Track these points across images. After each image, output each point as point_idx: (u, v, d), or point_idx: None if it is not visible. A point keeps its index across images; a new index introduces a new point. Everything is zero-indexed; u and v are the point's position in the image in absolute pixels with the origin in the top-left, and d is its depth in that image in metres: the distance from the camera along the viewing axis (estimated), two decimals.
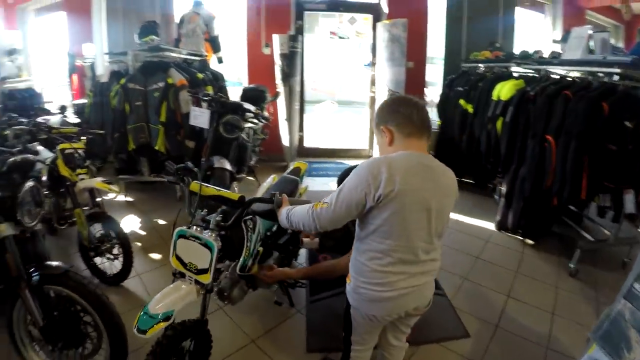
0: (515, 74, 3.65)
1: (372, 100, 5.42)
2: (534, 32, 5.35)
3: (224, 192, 1.81)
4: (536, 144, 2.92)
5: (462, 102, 4.08)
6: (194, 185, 1.78)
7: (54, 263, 1.73)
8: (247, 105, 3.54)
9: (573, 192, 2.59)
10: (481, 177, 4.31)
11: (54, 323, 1.65)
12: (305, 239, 2.23)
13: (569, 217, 3.26)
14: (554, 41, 3.91)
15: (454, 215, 3.74)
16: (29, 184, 1.76)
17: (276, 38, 4.79)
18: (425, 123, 1.35)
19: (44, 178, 2.54)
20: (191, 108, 3.49)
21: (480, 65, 4.21)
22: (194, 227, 1.65)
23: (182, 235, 1.64)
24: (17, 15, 6.53)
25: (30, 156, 1.87)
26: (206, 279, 1.59)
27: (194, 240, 1.61)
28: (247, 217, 1.85)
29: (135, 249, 2.84)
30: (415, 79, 5.05)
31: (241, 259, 1.78)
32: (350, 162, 5.41)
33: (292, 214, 1.46)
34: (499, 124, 3.37)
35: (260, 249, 1.95)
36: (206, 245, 1.58)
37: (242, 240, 1.80)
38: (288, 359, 2.00)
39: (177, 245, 1.64)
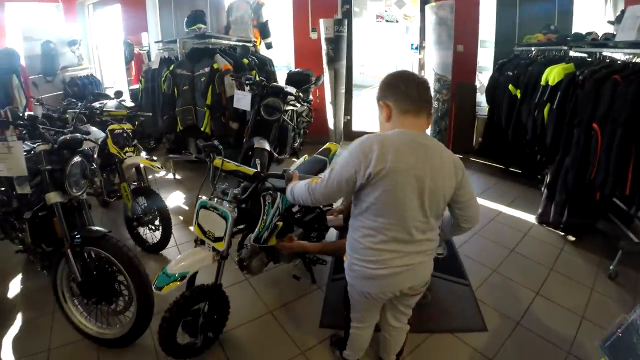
0: (568, 57, 3.40)
1: None
2: (594, 14, 4.87)
3: (242, 168, 1.98)
4: (581, 132, 2.71)
5: (510, 87, 3.87)
6: (217, 161, 1.96)
7: (95, 228, 1.99)
8: (288, 89, 3.68)
9: (616, 186, 2.40)
10: (529, 167, 4.09)
11: (91, 280, 1.92)
12: (329, 217, 2.31)
13: (616, 214, 3.01)
14: (609, 22, 3.55)
15: (493, 205, 3.66)
16: (77, 159, 2.04)
17: (322, 22, 4.85)
18: (424, 100, 1.33)
19: (95, 155, 2.89)
20: (235, 91, 3.71)
21: (532, 48, 3.96)
22: (215, 199, 1.82)
23: (203, 206, 1.82)
24: (76, 9, 7.22)
25: (78, 135, 2.12)
26: (221, 246, 1.75)
27: (213, 211, 1.78)
28: (267, 192, 2.00)
29: (176, 221, 3.15)
30: (465, 63, 4.85)
31: (256, 230, 1.94)
32: None
33: (293, 188, 1.55)
34: (545, 110, 3.17)
35: (280, 223, 2.08)
36: (222, 215, 1.75)
37: (260, 214, 1.96)
38: (300, 331, 2.11)
39: (199, 214, 1.83)
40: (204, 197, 1.87)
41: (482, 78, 5.34)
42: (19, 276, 2.69)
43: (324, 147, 2.79)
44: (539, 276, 2.62)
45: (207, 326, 1.86)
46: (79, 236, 1.90)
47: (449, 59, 4.52)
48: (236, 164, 2.03)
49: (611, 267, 2.59)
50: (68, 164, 1.98)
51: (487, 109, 4.50)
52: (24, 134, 2.31)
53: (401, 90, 1.31)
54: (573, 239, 3.04)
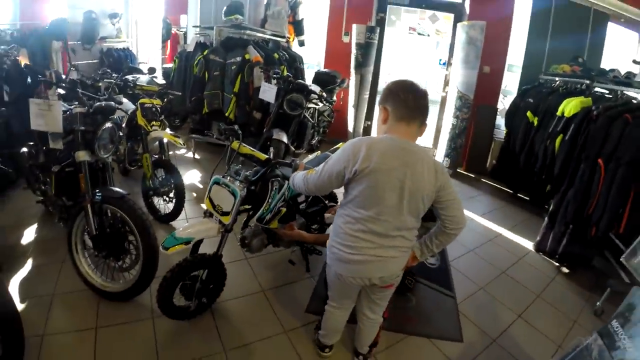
0: (591, 92, 3.48)
1: (443, 100, 5.40)
2: (625, 51, 4.90)
3: (256, 153, 2.18)
4: (587, 167, 2.82)
5: (529, 114, 3.97)
6: (234, 144, 2.17)
7: (115, 188, 2.20)
8: (312, 87, 3.86)
9: (611, 223, 2.49)
10: (538, 195, 4.15)
11: (104, 235, 2.13)
12: (327, 215, 2.48)
13: (612, 252, 3.08)
14: (634, 61, 3.60)
15: (494, 227, 3.77)
16: (108, 125, 2.27)
17: (355, 28, 5.01)
18: (419, 110, 1.46)
19: (124, 125, 3.13)
20: (262, 83, 3.91)
21: (556, 78, 4.05)
22: (228, 177, 2.02)
23: (216, 182, 2.02)
24: None
25: (112, 104, 2.36)
26: (226, 220, 1.95)
27: (224, 187, 1.98)
28: (275, 179, 2.18)
29: (189, 197, 3.36)
30: (489, 85, 4.96)
31: (260, 211, 2.12)
32: None
33: (295, 176, 1.73)
34: (557, 141, 3.28)
35: (284, 209, 2.26)
36: (232, 192, 1.94)
37: (267, 197, 2.14)
38: (286, 312, 2.27)
39: (211, 189, 2.03)
40: (218, 175, 2.06)
41: (506, 101, 5.41)
42: (35, 225, 2.94)
43: (337, 145, 2.94)
44: (525, 300, 2.70)
45: (203, 293, 2.04)
46: (99, 194, 2.11)
47: (473, 79, 4.63)
48: (251, 148, 2.22)
49: (598, 303, 2.64)
50: (100, 128, 2.21)
51: (505, 132, 4.58)
52: (63, 95, 2.57)
53: (400, 98, 1.46)
54: (567, 270, 3.12)
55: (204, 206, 2.08)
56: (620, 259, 1.43)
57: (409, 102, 1.45)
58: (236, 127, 2.20)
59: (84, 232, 2.20)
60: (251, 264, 2.70)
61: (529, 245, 3.48)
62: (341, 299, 1.78)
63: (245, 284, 2.49)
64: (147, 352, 1.89)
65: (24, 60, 4.38)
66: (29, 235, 2.83)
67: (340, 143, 3.00)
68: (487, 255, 3.25)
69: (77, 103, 2.27)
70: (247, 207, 2.19)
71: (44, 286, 2.27)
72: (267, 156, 2.18)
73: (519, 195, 4.51)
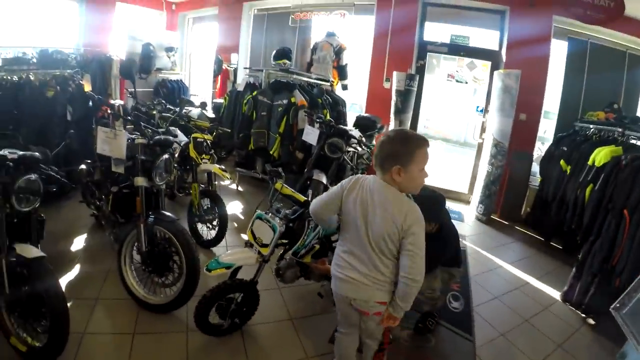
0: (624, 140, 3.50)
1: (480, 146, 5.52)
2: None
3: (296, 195, 2.48)
4: (613, 217, 2.86)
5: (562, 162, 4.03)
6: (278, 184, 2.47)
7: (167, 213, 2.54)
8: (352, 132, 4.13)
9: (634, 275, 2.53)
10: (571, 244, 4.13)
11: (152, 253, 2.45)
12: None
13: None
14: None
15: (522, 275, 3.78)
16: (165, 156, 2.64)
17: (395, 75, 5.32)
18: (378, 159, 1.64)
19: (176, 155, 3.53)
20: (305, 126, 4.25)
21: (590, 126, 4.10)
22: (269, 214, 2.31)
23: (259, 217, 2.31)
24: (178, 19, 8.47)
25: (171, 138, 2.74)
26: (265, 251, 2.23)
27: (266, 222, 2.27)
28: (311, 218, 2.44)
29: (231, 227, 3.66)
30: (525, 132, 5.05)
31: (296, 245, 2.39)
32: (449, 204, 5.61)
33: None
34: (587, 190, 3.33)
35: (317, 246, 2.51)
36: (272, 228, 2.23)
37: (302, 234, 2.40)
38: (310, 340, 2.44)
39: (254, 223, 2.32)
40: (261, 211, 2.35)
41: (543, 149, 5.46)
42: (85, 235, 3.36)
43: None
44: (545, 350, 2.70)
45: (236, 314, 2.29)
46: (153, 216, 2.45)
47: (509, 127, 4.75)
48: (292, 190, 2.51)
49: (617, 356, 2.54)
50: (159, 158, 2.57)
51: (539, 180, 4.63)
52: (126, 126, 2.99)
53: (375, 150, 1.68)
54: (592, 322, 3.07)
55: (244, 236, 2.37)
56: (610, 309, 1.52)
57: (375, 151, 1.68)
58: (280, 169, 2.50)
59: (134, 247, 2.52)
60: (283, 293, 2.92)
61: (556, 295, 3.46)
62: (345, 323, 1.94)
63: (276, 311, 2.70)
64: None
65: (87, 85, 4.92)
66: (78, 243, 3.24)
67: None
68: (512, 302, 3.27)
69: (138, 133, 2.66)
70: (284, 241, 2.44)
71: (89, 290, 2.60)
72: (305, 198, 2.46)
73: (552, 243, 4.49)
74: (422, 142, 1.63)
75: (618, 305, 1.41)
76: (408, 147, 1.60)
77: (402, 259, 1.60)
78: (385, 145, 1.63)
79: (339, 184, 1.76)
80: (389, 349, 2.41)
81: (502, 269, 3.88)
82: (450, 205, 5.67)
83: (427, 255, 2.34)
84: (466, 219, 5.21)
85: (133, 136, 2.73)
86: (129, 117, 2.76)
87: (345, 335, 1.97)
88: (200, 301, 2.16)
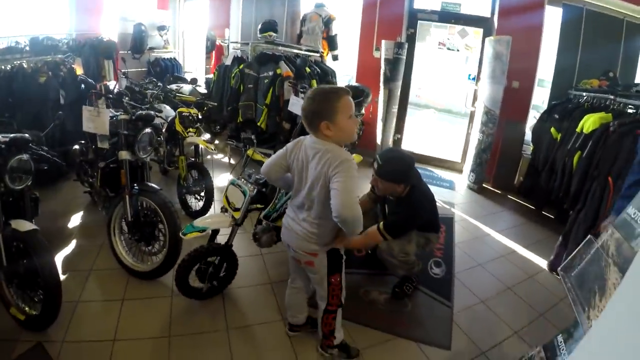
0: (615, 107, 3.47)
1: (472, 115, 5.52)
2: None
3: (265, 159, 2.54)
4: (598, 185, 2.87)
5: (552, 130, 4.02)
6: (250, 151, 2.56)
7: (150, 184, 2.68)
8: None
9: None
10: (563, 213, 4.10)
11: (138, 222, 2.59)
12: None
13: None
14: None
15: (510, 243, 3.82)
16: (147, 130, 2.75)
17: (383, 43, 5.30)
18: (304, 120, 1.77)
19: (164, 130, 3.63)
20: (291, 96, 4.32)
21: (584, 94, 4.07)
22: (242, 179, 2.42)
23: (232, 183, 2.43)
24: None
25: (152, 112, 2.86)
26: (237, 215, 2.35)
27: (238, 188, 2.38)
28: None
29: (218, 197, 3.78)
30: (518, 100, 5.01)
31: (267, 208, 2.49)
32: (442, 173, 5.73)
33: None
34: (575, 158, 3.31)
35: None
36: (243, 192, 2.34)
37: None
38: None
39: (228, 189, 2.44)
40: (234, 177, 2.47)
41: (535, 116, 5.43)
42: (81, 212, 3.58)
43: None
44: (526, 318, 2.70)
45: (214, 277, 2.42)
46: (137, 187, 2.59)
47: (499, 94, 4.73)
48: (263, 155, 2.60)
49: None
50: (140, 132, 2.70)
51: (532, 149, 4.64)
52: (111, 103, 3.11)
53: (302, 108, 1.80)
54: None
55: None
56: (558, 270, 1.52)
57: (303, 113, 1.79)
58: (252, 136, 2.59)
59: (122, 218, 2.67)
60: (265, 259, 3.05)
61: (544, 264, 3.48)
62: (292, 272, 2.14)
63: (256, 276, 2.84)
64: (162, 323, 2.30)
65: (78, 68, 5.11)
66: (75, 220, 3.45)
67: (354, 154, 3.31)
68: (497, 270, 3.31)
69: (122, 111, 2.77)
70: (259, 206, 2.54)
71: (83, 263, 2.80)
72: None
73: (544, 213, 4.53)
74: (342, 92, 1.72)
75: (567, 266, 1.38)
76: (330, 101, 1.69)
77: (331, 200, 1.62)
78: (308, 105, 1.73)
79: (285, 146, 1.90)
80: (362, 312, 2.55)
81: (490, 237, 3.94)
82: (442, 173, 5.76)
83: (397, 218, 2.45)
84: (457, 188, 5.26)
85: (118, 113, 2.84)
86: (111, 96, 2.86)
87: (291, 287, 2.18)
88: (180, 264, 2.31)
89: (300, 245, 1.87)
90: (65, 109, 4.08)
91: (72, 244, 3.05)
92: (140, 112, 2.79)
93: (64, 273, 2.64)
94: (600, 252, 1.22)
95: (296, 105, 4.13)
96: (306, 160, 1.77)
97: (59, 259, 2.81)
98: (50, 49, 4.93)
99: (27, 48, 4.88)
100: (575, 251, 1.45)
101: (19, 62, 4.28)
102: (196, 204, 3.63)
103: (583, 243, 1.43)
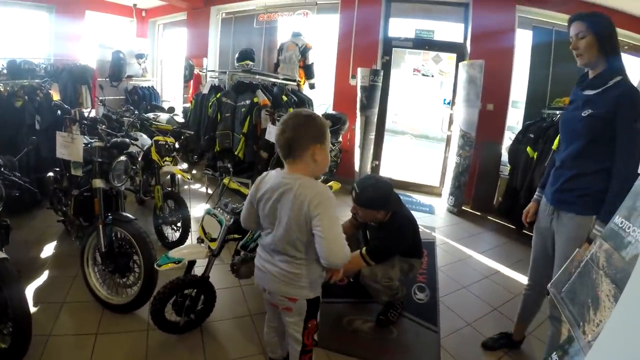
0: None
1: (448, 139, 5.67)
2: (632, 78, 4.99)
3: (242, 188, 2.55)
4: None
5: (529, 149, 4.17)
6: (226, 180, 2.53)
7: (125, 213, 2.61)
8: None
9: None
10: None
11: (112, 253, 2.51)
12: None
13: None
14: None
15: (493, 264, 3.84)
16: (122, 158, 2.71)
17: (359, 71, 5.44)
18: (282, 147, 1.59)
19: (140, 159, 3.58)
20: (268, 125, 4.34)
21: (557, 112, 4.22)
22: (218, 209, 2.37)
23: (208, 213, 2.37)
24: (148, 26, 8.61)
25: (127, 140, 2.83)
26: (214, 245, 2.28)
27: (214, 217, 2.33)
28: None
29: (195, 227, 3.70)
30: (493, 122, 5.19)
31: (244, 239, 2.44)
32: (421, 198, 5.77)
33: None
34: None
35: None
36: (219, 222, 2.28)
37: None
38: None
39: (204, 219, 2.38)
40: (210, 207, 2.42)
41: (511, 138, 5.60)
42: (54, 242, 3.46)
43: (328, 184, 3.26)
44: None
45: (192, 310, 2.34)
46: (111, 216, 2.52)
47: (475, 117, 4.89)
48: (239, 184, 2.59)
49: None
50: (115, 160, 2.65)
51: (509, 169, 4.75)
52: (85, 129, 3.06)
53: (276, 136, 1.62)
54: None
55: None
56: (548, 287, 1.53)
57: (277, 138, 1.61)
58: (229, 165, 2.59)
59: (96, 249, 2.58)
60: (244, 290, 2.97)
61: None
62: (268, 312, 1.99)
63: (236, 308, 2.76)
64: (137, 359, 2.19)
65: (55, 94, 5.09)
66: (48, 250, 3.33)
67: (332, 182, 3.33)
68: (481, 292, 3.33)
69: (97, 138, 2.72)
70: (236, 236, 2.50)
71: (55, 294, 2.68)
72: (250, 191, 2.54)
73: (524, 231, 4.59)
74: (323, 117, 1.64)
75: (557, 281, 1.38)
76: (319, 124, 1.60)
77: (316, 244, 1.54)
78: (296, 129, 1.56)
79: (250, 191, 1.76)
80: (346, 342, 2.48)
81: (472, 259, 3.97)
82: (422, 198, 5.82)
83: (380, 243, 2.44)
84: (437, 212, 5.32)
85: (92, 140, 2.78)
86: (85, 122, 2.82)
87: (268, 321, 2.02)
88: (155, 297, 2.22)
89: (279, 289, 1.68)
90: (40, 135, 4.00)
91: (44, 275, 2.93)
92: (115, 139, 2.76)
93: (35, 305, 2.53)
94: (590, 264, 1.21)
95: (273, 133, 4.14)
96: (276, 200, 1.60)
97: (30, 290, 2.70)
98: (27, 73, 4.92)
99: (5, 71, 4.87)
100: (564, 266, 1.45)
101: None
102: (173, 234, 3.56)
103: (571, 257, 1.43)
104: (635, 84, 1.81)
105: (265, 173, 1.73)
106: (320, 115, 1.65)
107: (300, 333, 1.76)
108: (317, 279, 1.72)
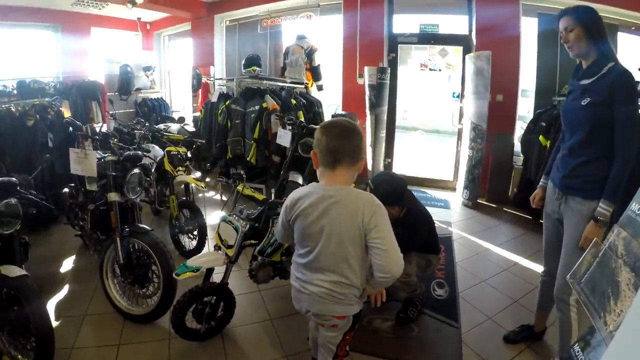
0: None
1: (459, 132, 5.62)
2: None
3: (256, 194, 2.57)
4: None
5: (541, 137, 4.11)
6: (239, 186, 2.55)
7: (141, 225, 2.66)
8: None
9: None
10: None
11: (131, 265, 2.55)
12: None
13: None
14: (639, 69, 3.54)
15: (511, 256, 3.81)
16: (136, 170, 2.75)
17: (366, 70, 5.43)
18: (338, 154, 1.48)
19: (153, 170, 3.63)
20: (278, 129, 4.36)
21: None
22: (233, 215, 2.39)
23: (224, 220, 2.40)
24: (153, 39, 8.73)
25: (139, 152, 2.86)
26: (231, 252, 2.31)
27: (229, 224, 2.35)
28: (276, 216, 2.52)
29: (211, 235, 3.72)
30: (504, 113, 5.13)
31: (261, 244, 2.45)
32: (435, 193, 5.74)
33: (277, 222, 1.91)
34: None
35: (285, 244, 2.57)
36: (235, 229, 2.31)
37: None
38: (289, 339, 2.51)
39: (220, 226, 2.41)
40: (226, 214, 2.45)
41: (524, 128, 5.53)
42: (73, 256, 3.54)
43: None
44: None
45: (212, 317, 2.37)
46: (127, 229, 2.56)
47: (485, 109, 4.83)
48: (253, 190, 2.61)
49: None
50: (128, 173, 2.70)
51: (522, 159, 4.69)
52: (98, 144, 3.11)
53: (319, 141, 1.50)
54: None
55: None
56: (567, 278, 1.52)
57: (322, 144, 1.49)
58: (242, 172, 2.60)
59: (114, 261, 2.62)
60: (263, 295, 3.00)
61: None
62: (311, 328, 1.87)
63: (255, 313, 2.78)
64: None
65: (66, 111, 5.17)
66: (67, 264, 3.41)
67: None
68: (500, 284, 3.30)
69: (109, 152, 2.77)
70: (253, 242, 2.51)
71: (77, 308, 2.74)
72: (264, 197, 2.57)
73: (541, 221, 4.51)
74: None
75: (575, 272, 1.35)
76: (360, 136, 1.56)
77: (373, 258, 1.46)
78: (339, 139, 1.49)
79: (282, 209, 1.65)
80: (367, 341, 2.48)
81: (490, 252, 3.93)
82: (436, 193, 5.77)
83: (396, 240, 2.43)
84: (452, 206, 5.27)
85: (105, 155, 2.84)
86: (97, 137, 2.87)
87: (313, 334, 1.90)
88: (175, 306, 2.25)
89: (328, 309, 1.58)
90: (54, 152, 4.09)
91: (65, 289, 3.00)
92: (128, 152, 2.80)
93: (56, 319, 2.59)
94: (608, 253, 1.19)
95: (284, 137, 4.17)
96: (321, 215, 1.49)
97: (51, 304, 2.77)
98: (37, 92, 5.01)
99: (15, 91, 4.96)
100: (582, 256, 1.43)
101: (6, 105, 4.31)
102: (189, 243, 3.59)
103: (589, 246, 1.42)
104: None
105: (297, 190, 1.62)
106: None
107: (336, 345, 1.71)
108: (361, 291, 1.63)
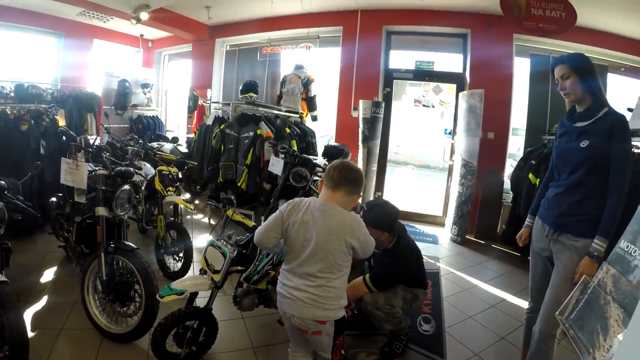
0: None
1: (450, 168, 5.72)
2: (628, 100, 5.02)
3: (245, 220, 2.58)
4: None
5: (530, 176, 4.20)
6: (229, 212, 2.56)
7: (127, 242, 2.61)
8: (317, 161, 4.27)
9: None
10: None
11: (113, 281, 2.49)
12: None
13: None
14: (628, 109, 3.64)
15: (499, 292, 3.81)
16: (126, 187, 2.74)
17: (361, 103, 5.54)
18: (340, 181, 1.82)
19: (143, 188, 3.61)
20: (271, 157, 4.40)
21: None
22: (221, 240, 2.38)
23: (211, 244, 2.39)
24: (154, 57, 8.85)
25: (131, 169, 2.85)
26: (217, 277, 2.29)
27: (217, 249, 2.34)
28: None
29: (197, 258, 3.67)
30: (495, 150, 5.26)
31: (247, 271, 2.43)
32: (424, 228, 5.76)
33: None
34: None
35: (272, 272, 2.55)
36: (223, 254, 2.30)
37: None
38: None
39: (207, 250, 2.39)
40: (213, 239, 2.44)
41: (512, 165, 5.63)
42: (55, 267, 3.48)
43: None
44: None
45: (193, 342, 2.31)
46: (113, 245, 2.52)
47: (476, 146, 4.95)
48: (242, 216, 2.62)
49: None
50: (118, 189, 2.68)
51: (511, 196, 4.76)
52: (90, 157, 3.10)
53: (329, 172, 1.85)
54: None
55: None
56: (555, 315, 1.54)
57: (333, 174, 1.83)
58: (232, 197, 2.62)
59: (97, 277, 2.57)
60: (246, 322, 2.93)
61: None
62: (293, 341, 2.00)
63: (238, 340, 2.71)
64: None
65: (61, 120, 5.16)
66: (48, 275, 3.34)
67: None
68: (487, 321, 3.28)
69: (101, 166, 2.76)
70: (239, 268, 2.49)
71: (54, 320, 2.67)
72: (254, 224, 2.56)
73: (529, 258, 4.53)
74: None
75: (564, 309, 1.38)
76: (362, 176, 1.90)
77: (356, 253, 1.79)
78: (347, 172, 1.83)
79: (278, 210, 1.87)
80: None
81: (477, 288, 3.92)
82: (425, 228, 5.80)
83: (383, 270, 2.43)
84: (441, 241, 5.29)
85: (97, 168, 2.82)
86: (90, 149, 2.87)
87: (293, 352, 2.02)
88: (156, 328, 2.19)
89: (311, 313, 1.77)
90: (45, 160, 4.07)
91: (44, 300, 2.92)
92: (120, 168, 2.79)
93: (32, 330, 2.52)
94: (597, 290, 1.23)
95: (276, 165, 4.20)
96: (314, 225, 1.76)
97: (28, 314, 2.69)
98: (34, 98, 4.99)
99: (12, 94, 4.92)
100: (571, 293, 1.45)
101: (2, 107, 4.31)
102: (175, 264, 3.53)
103: (579, 284, 1.45)
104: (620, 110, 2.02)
105: (301, 198, 1.87)
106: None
107: (330, 352, 1.89)
108: (345, 298, 1.86)
